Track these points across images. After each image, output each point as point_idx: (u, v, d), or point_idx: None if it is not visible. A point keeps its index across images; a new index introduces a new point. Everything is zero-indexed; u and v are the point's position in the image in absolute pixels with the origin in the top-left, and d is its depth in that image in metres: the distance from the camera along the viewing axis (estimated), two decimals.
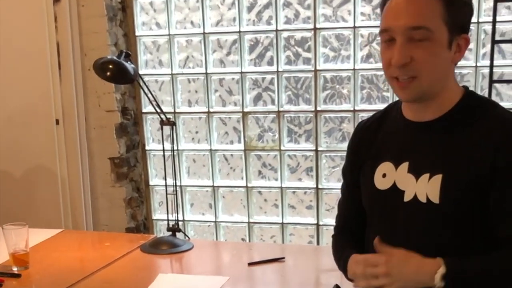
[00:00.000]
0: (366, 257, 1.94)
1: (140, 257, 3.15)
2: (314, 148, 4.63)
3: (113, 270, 2.99)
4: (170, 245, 3.22)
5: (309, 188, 4.72)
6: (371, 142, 2.16)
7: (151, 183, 5.07)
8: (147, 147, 5.02)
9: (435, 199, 1.93)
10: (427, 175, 1.95)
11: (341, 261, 2.21)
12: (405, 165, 2.01)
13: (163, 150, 3.43)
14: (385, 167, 2.05)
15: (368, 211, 2.15)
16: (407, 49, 1.92)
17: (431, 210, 1.94)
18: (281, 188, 4.75)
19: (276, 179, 4.77)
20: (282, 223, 4.80)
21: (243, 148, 4.79)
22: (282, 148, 4.70)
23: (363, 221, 2.20)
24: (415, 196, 1.97)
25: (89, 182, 4.88)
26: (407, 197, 1.99)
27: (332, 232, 2.36)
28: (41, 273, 2.95)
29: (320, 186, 4.65)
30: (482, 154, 1.89)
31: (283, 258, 3.01)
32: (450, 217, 1.93)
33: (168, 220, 3.39)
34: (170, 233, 3.35)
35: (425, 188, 1.95)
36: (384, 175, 2.05)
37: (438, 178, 1.93)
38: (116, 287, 2.82)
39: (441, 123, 2.00)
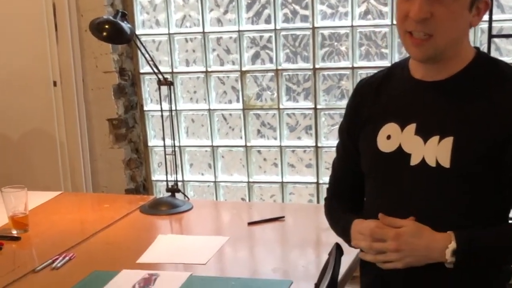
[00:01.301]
0: (372, 230, 1.87)
1: (139, 218, 3.15)
2: (313, 106, 4.62)
3: (112, 232, 2.99)
4: (169, 206, 3.22)
5: (309, 147, 4.72)
6: (374, 101, 2.07)
7: (149, 144, 5.06)
8: (145, 108, 5.00)
9: (446, 163, 1.86)
10: (436, 138, 1.88)
11: (339, 227, 2.18)
12: (412, 127, 1.93)
13: (161, 110, 3.41)
14: (390, 128, 1.97)
15: (368, 176, 2.08)
16: (428, 4, 1.83)
17: (441, 175, 1.87)
18: (280, 147, 4.74)
19: (275, 138, 4.76)
20: (282, 182, 4.80)
21: (241, 107, 4.77)
22: (281, 106, 4.69)
23: (359, 184, 2.14)
24: (423, 160, 1.90)
25: (87, 144, 4.87)
26: (414, 161, 1.91)
27: None
28: (41, 235, 2.95)
29: (319, 145, 4.64)
30: (502, 117, 1.83)
31: (283, 217, 3.01)
32: (461, 183, 1.87)
33: (167, 181, 3.38)
34: (170, 193, 3.35)
35: (435, 152, 1.88)
36: (388, 137, 1.97)
37: (449, 140, 1.86)
38: (116, 248, 2.82)
39: (453, 83, 1.92)
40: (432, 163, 1.88)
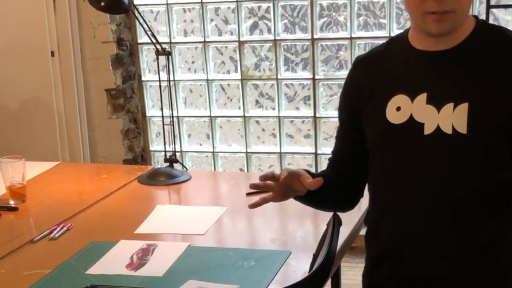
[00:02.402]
0: None
1: (137, 188, 3.15)
2: (311, 77, 4.61)
3: (110, 202, 2.98)
4: (167, 176, 3.21)
5: (307, 117, 4.71)
6: (375, 76, 2.05)
7: (148, 114, 5.05)
8: (143, 78, 4.99)
9: (463, 129, 1.85)
10: (450, 105, 1.87)
11: None
12: (422, 97, 1.91)
13: (159, 80, 3.39)
14: (399, 100, 1.95)
15: (375, 151, 2.05)
16: None
17: (458, 141, 1.86)
18: (278, 117, 4.74)
19: (274, 108, 4.76)
20: (280, 153, 4.80)
21: (240, 78, 4.76)
22: (279, 77, 4.68)
23: (355, 169, 2.15)
24: (438, 128, 1.88)
25: (85, 114, 4.87)
26: (428, 130, 1.90)
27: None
28: (38, 206, 2.94)
29: (317, 115, 4.64)
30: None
31: None
32: (477, 149, 1.86)
33: (165, 151, 3.37)
34: (168, 164, 3.34)
35: (450, 119, 1.86)
36: (398, 108, 1.95)
37: (464, 107, 1.85)
38: (114, 219, 2.82)
39: (460, 51, 1.92)
40: (448, 130, 1.87)
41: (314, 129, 4.68)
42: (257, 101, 4.84)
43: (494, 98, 1.84)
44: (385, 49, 2.10)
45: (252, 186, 2.02)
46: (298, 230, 2.65)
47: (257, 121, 4.87)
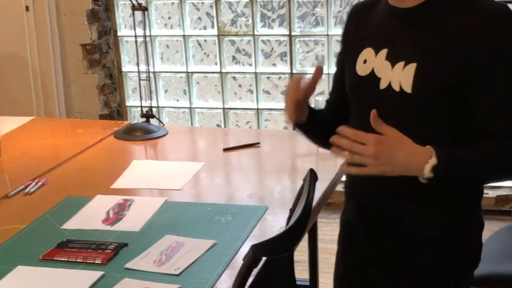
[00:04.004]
0: (356, 131, 1.83)
1: (113, 143, 3.13)
2: (287, 33, 4.59)
3: (86, 157, 2.97)
4: (144, 131, 3.19)
5: (284, 73, 4.71)
6: (360, 27, 2.08)
7: (124, 69, 5.02)
8: (119, 33, 4.95)
9: (408, 88, 1.87)
10: (402, 63, 1.89)
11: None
12: (384, 52, 1.94)
13: (135, 36, 3.37)
14: (367, 53, 1.99)
15: (350, 99, 2.09)
16: None
17: (403, 100, 1.88)
18: (255, 73, 4.73)
19: (250, 65, 4.75)
20: (257, 109, 4.79)
21: (216, 34, 4.74)
22: (256, 33, 4.66)
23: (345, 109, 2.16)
24: (389, 84, 1.92)
25: (61, 69, 4.83)
26: (382, 85, 1.93)
27: None
28: (14, 161, 2.93)
29: (294, 71, 4.63)
30: (466, 48, 1.81)
31: (258, 143, 3.00)
32: (421, 108, 1.88)
33: (141, 106, 3.35)
34: (144, 119, 3.32)
35: (399, 76, 1.89)
36: (365, 61, 1.99)
37: (412, 67, 1.87)
38: (90, 173, 2.80)
39: (421, 10, 1.91)
40: (397, 88, 1.90)
41: None
42: (233, 57, 4.82)
43: (442, 61, 1.84)
44: (376, 1, 2.09)
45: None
46: (275, 185, 2.66)
47: (234, 77, 4.85)
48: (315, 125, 2.18)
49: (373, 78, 1.96)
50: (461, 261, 2.05)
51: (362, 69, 2.00)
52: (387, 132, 1.82)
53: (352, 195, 2.16)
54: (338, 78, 2.19)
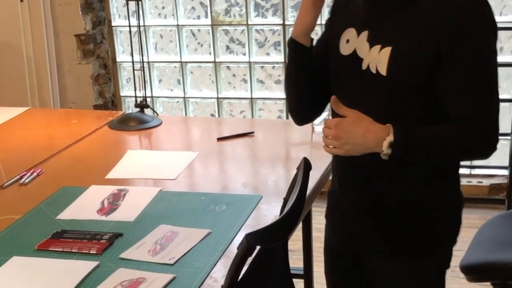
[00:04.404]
0: (325, 121, 1.97)
1: (108, 133, 3.14)
2: (281, 22, 4.59)
3: (81, 147, 2.97)
4: (138, 121, 3.20)
5: (277, 63, 4.71)
6: (347, 6, 2.12)
7: (118, 59, 5.02)
8: (113, 23, 4.95)
9: (383, 71, 1.92)
10: (378, 47, 1.94)
11: None
12: (365, 33, 1.99)
13: (129, 26, 3.37)
14: (349, 33, 2.03)
15: (332, 77, 2.12)
16: None
17: (379, 81, 1.94)
18: (249, 63, 4.73)
19: (244, 54, 4.75)
20: (251, 98, 4.80)
21: (210, 23, 4.74)
22: (250, 22, 4.66)
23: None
24: (368, 66, 1.97)
25: (55, 59, 4.82)
26: (364, 66, 1.99)
27: None
28: (8, 151, 2.93)
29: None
30: (438, 34, 1.87)
31: (253, 132, 3.01)
32: (396, 90, 1.93)
33: (135, 96, 3.35)
34: (138, 109, 3.33)
35: (376, 59, 1.95)
36: (347, 41, 2.03)
37: (387, 50, 1.92)
38: (85, 164, 2.81)
39: None
40: (373, 70, 1.95)
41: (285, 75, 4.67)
42: (227, 47, 4.82)
43: (416, 47, 1.89)
44: None
45: None
46: (269, 174, 2.66)
47: (227, 67, 4.85)
48: (307, 67, 2.15)
49: (355, 58, 2.01)
50: (439, 234, 2.09)
51: (345, 48, 2.04)
52: (347, 114, 1.93)
53: (335, 170, 2.21)
54: (317, 55, 2.18)
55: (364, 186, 2.08)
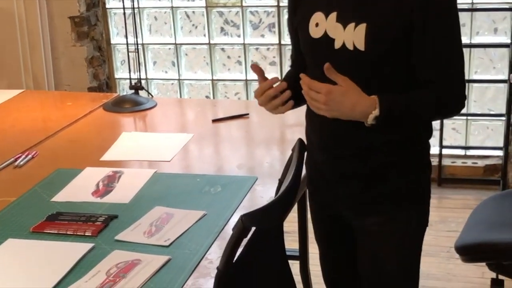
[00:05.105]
0: (311, 81, 2.01)
1: (103, 115, 3.13)
2: (276, 4, 4.58)
3: (76, 129, 2.97)
4: (133, 103, 3.19)
5: (272, 44, 4.70)
6: None
7: (112, 41, 5.00)
8: (107, 5, 4.93)
9: (361, 46, 2.00)
10: (352, 24, 2.01)
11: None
12: (333, 15, 2.05)
13: (124, 8, 3.36)
14: (317, 17, 2.09)
15: (306, 59, 2.20)
16: None
17: (358, 57, 2.01)
18: (243, 44, 4.72)
19: (239, 36, 4.73)
20: (246, 80, 4.79)
21: (204, 5, 4.72)
22: (244, 4, 4.64)
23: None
24: (344, 44, 2.03)
25: (49, 41, 4.80)
26: (337, 45, 2.04)
27: None
28: (3, 133, 2.93)
29: (283, 42, 4.62)
30: (409, 4, 1.94)
31: (247, 114, 3.01)
32: (375, 64, 2.01)
33: (130, 78, 3.35)
34: (133, 91, 3.32)
35: (352, 37, 2.01)
36: (316, 25, 2.09)
37: (362, 27, 1.99)
38: (80, 146, 2.81)
39: None
40: (350, 47, 2.02)
41: (279, 56, 4.67)
42: (222, 29, 4.81)
43: (389, 19, 1.97)
44: None
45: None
46: (264, 156, 2.66)
47: (222, 49, 4.84)
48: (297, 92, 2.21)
49: (327, 39, 2.06)
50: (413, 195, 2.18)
51: (315, 32, 2.09)
52: (339, 82, 1.99)
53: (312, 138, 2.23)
54: (293, 37, 2.28)
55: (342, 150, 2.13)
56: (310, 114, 2.18)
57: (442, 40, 2.00)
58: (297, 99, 2.16)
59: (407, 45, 1.99)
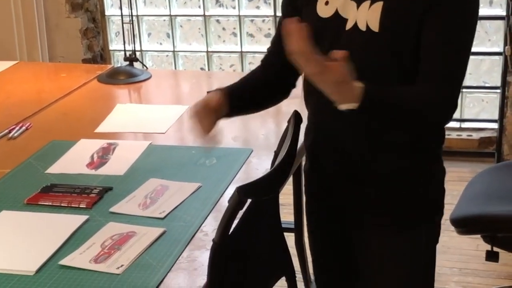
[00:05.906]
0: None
1: (97, 87, 3.12)
2: None
3: (70, 101, 2.96)
4: (127, 75, 3.18)
5: (267, 16, 4.68)
6: None
7: (107, 13, 4.97)
8: None
9: (375, 27, 1.88)
10: (368, 2, 1.89)
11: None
12: None
13: None
14: None
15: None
16: None
17: (369, 38, 1.89)
18: (239, 16, 4.69)
19: (234, 8, 4.71)
20: (241, 52, 4.77)
21: None
22: None
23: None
24: (355, 24, 1.91)
25: (43, 13, 4.78)
26: (348, 25, 1.92)
27: None
28: None
29: (278, 14, 4.60)
30: None
31: None
32: (388, 46, 1.89)
33: (125, 50, 3.33)
34: (128, 63, 3.31)
35: (366, 16, 1.89)
36: (326, 3, 1.96)
37: (379, 5, 1.88)
38: (74, 117, 2.80)
39: None
40: (363, 27, 1.90)
41: (275, 28, 4.64)
42: (217, 0, 4.78)
43: (407, 1, 1.86)
44: None
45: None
46: (259, 128, 2.66)
47: (217, 20, 4.82)
48: (244, 104, 2.19)
49: (338, 19, 1.94)
50: (422, 208, 2.06)
51: (324, 11, 1.97)
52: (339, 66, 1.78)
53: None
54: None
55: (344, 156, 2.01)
56: (316, 116, 2.08)
57: (448, 34, 1.87)
58: (240, 109, 2.14)
59: (420, 29, 1.86)
